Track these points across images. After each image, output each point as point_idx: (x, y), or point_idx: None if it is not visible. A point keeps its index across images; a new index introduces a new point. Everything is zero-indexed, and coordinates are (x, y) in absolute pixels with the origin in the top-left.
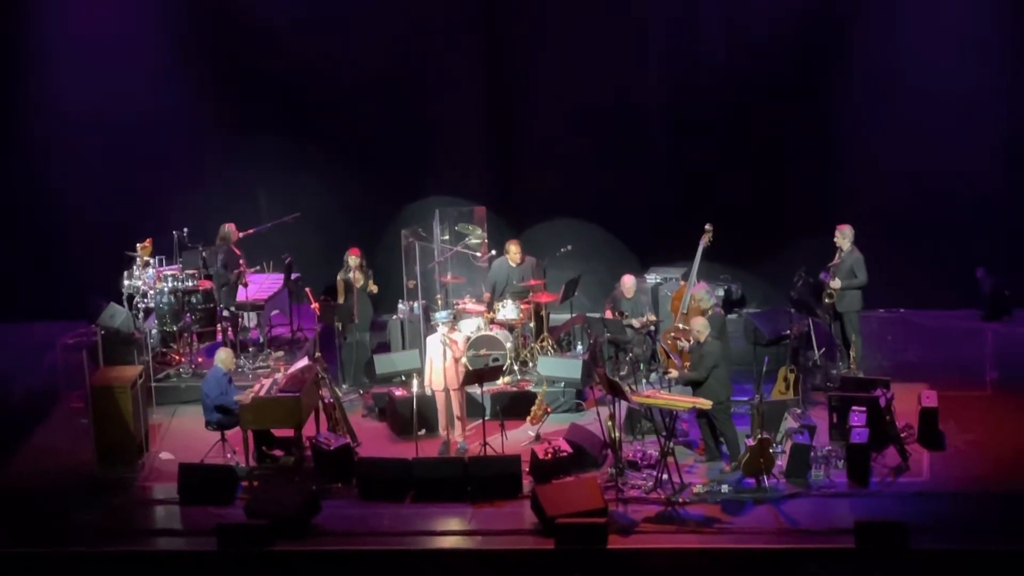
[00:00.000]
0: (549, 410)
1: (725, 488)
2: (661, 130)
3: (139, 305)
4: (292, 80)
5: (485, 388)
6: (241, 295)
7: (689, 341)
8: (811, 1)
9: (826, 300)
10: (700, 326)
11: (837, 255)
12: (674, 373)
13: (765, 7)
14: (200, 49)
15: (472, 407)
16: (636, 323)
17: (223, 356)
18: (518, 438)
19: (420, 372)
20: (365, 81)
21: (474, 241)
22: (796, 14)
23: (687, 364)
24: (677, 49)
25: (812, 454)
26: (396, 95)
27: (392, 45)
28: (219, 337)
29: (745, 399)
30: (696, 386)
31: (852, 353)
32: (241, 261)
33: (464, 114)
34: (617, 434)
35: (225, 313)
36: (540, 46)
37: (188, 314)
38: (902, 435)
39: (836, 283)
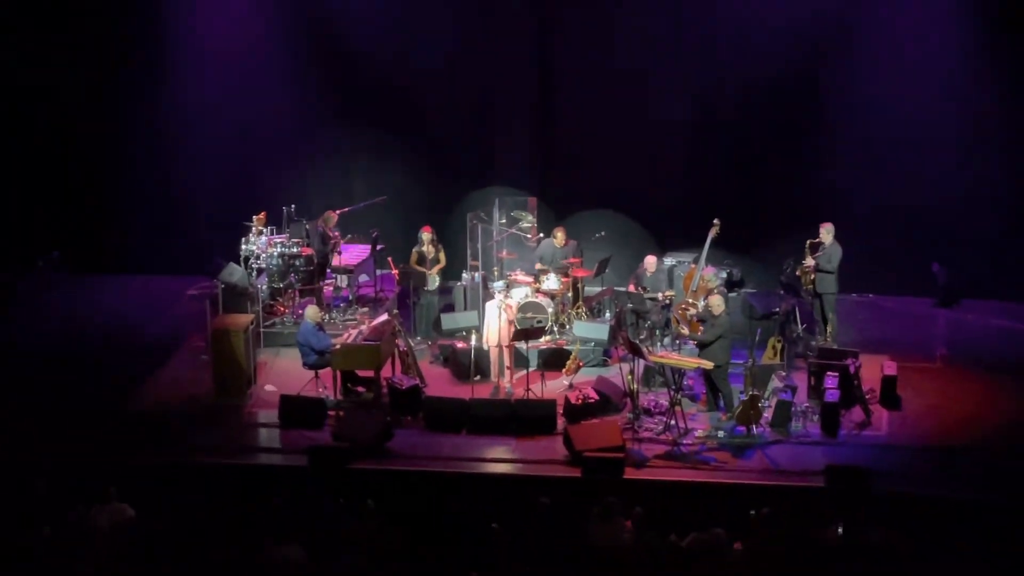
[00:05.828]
0: (581, 364)
1: (721, 434)
2: (681, 135)
3: (253, 265)
4: (383, 85)
5: (530, 344)
6: (336, 262)
7: (697, 311)
8: (819, 17)
9: (794, 271)
10: (718, 302)
11: (820, 248)
12: (686, 331)
13: (778, 21)
14: (303, 56)
15: (519, 360)
16: (660, 296)
17: (310, 312)
18: (555, 386)
19: (478, 329)
20: (442, 88)
21: (526, 225)
22: (804, 26)
23: (698, 330)
24: (699, 61)
25: (793, 409)
26: (466, 100)
27: (461, 57)
28: (329, 292)
29: (740, 362)
30: (703, 347)
31: (828, 328)
32: (333, 237)
33: (522, 117)
34: (635, 386)
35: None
36: (576, 59)
37: (292, 274)
38: (867, 397)
39: (810, 262)
